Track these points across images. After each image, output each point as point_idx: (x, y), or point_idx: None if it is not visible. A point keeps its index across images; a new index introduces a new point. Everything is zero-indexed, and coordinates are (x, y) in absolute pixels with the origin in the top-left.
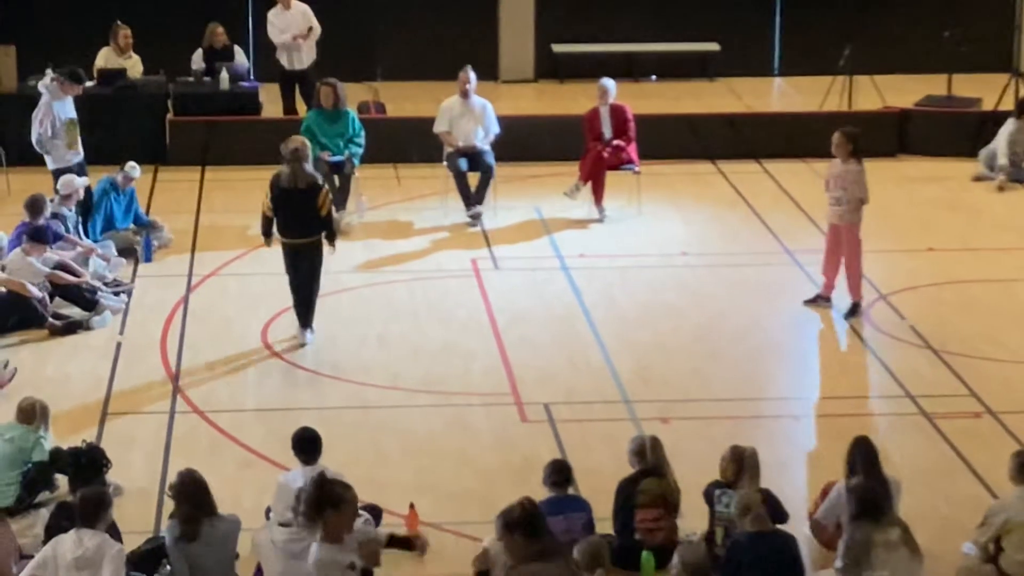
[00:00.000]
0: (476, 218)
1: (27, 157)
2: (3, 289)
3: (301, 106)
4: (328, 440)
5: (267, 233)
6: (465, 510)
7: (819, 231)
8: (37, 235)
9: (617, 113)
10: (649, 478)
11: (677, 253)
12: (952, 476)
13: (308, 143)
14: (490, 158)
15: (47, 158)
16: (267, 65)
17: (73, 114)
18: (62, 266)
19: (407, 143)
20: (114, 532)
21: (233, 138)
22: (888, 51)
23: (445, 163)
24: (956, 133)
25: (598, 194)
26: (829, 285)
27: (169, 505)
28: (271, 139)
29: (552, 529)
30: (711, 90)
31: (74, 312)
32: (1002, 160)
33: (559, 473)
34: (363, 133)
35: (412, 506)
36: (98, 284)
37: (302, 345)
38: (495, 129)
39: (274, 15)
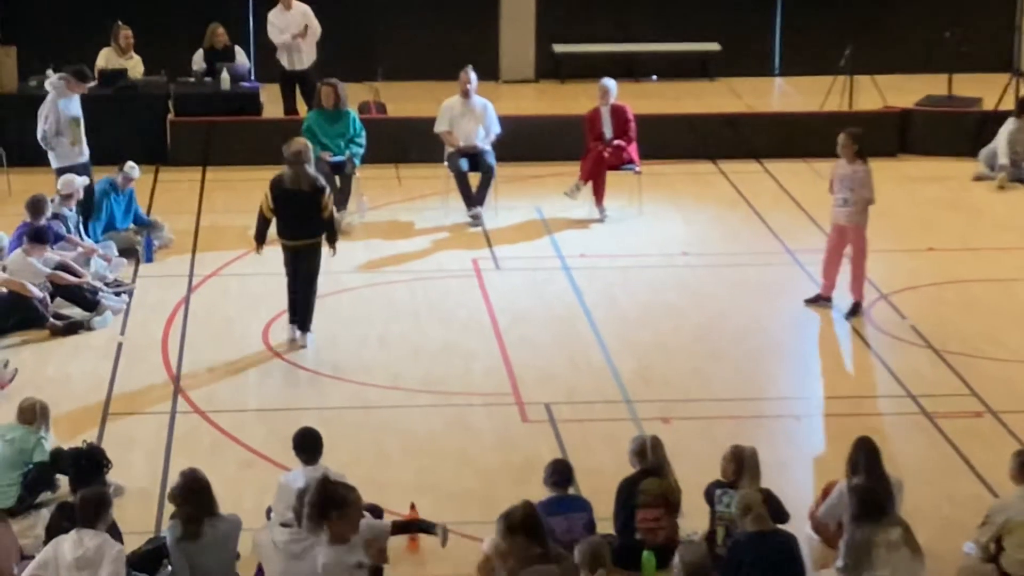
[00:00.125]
0: (477, 218)
1: (28, 157)
2: (4, 289)
3: (302, 106)
4: (329, 440)
5: (260, 237)
6: (466, 510)
7: (820, 231)
8: (38, 235)
9: (618, 113)
10: (650, 478)
11: (678, 253)
12: (953, 476)
13: (310, 146)
14: (491, 158)
15: (51, 155)
16: (268, 65)
17: (79, 113)
18: (63, 266)
19: (408, 143)
20: (115, 532)
21: (234, 138)
22: (888, 51)
23: (446, 163)
24: (956, 133)
25: (599, 194)
26: (829, 286)
27: (170, 506)
28: (272, 139)
29: (553, 529)
30: (712, 90)
31: (75, 312)
32: (1002, 160)
33: (560, 473)
34: (364, 133)
35: (413, 506)
36: (99, 284)
37: (302, 347)
38: (496, 129)
39: (274, 16)
